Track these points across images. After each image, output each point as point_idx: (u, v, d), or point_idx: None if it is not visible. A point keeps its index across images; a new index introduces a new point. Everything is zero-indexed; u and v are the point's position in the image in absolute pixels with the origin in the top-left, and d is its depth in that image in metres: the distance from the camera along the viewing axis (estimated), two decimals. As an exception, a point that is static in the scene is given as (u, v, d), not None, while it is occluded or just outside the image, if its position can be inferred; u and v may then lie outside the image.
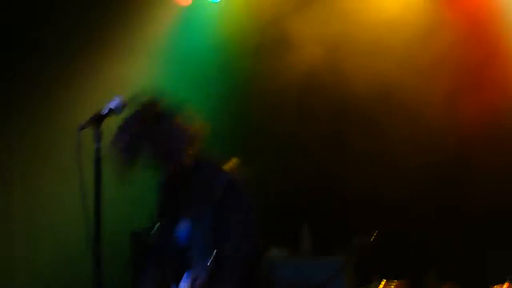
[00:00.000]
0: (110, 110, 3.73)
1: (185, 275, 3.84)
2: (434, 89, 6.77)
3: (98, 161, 3.61)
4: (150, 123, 3.89)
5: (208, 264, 3.76)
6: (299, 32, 6.94)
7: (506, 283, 5.39)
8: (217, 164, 4.03)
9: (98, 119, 3.66)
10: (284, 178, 7.09)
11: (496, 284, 5.46)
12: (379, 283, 5.52)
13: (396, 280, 5.37)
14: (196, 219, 3.95)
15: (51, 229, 7.33)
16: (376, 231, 5.75)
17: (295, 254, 6.59)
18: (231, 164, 4.06)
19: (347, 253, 6.18)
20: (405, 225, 6.64)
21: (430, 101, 6.76)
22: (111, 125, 3.81)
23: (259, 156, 6.85)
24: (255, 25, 7.09)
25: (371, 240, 5.67)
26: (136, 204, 7.16)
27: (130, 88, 6.87)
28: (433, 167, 6.75)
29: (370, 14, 6.88)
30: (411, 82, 6.75)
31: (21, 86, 7.44)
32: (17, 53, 7.41)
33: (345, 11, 6.91)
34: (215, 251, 3.77)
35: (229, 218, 3.92)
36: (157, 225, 4.11)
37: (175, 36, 7.26)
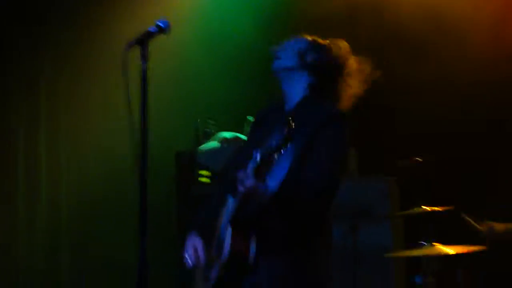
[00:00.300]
0: (159, 29, 3.70)
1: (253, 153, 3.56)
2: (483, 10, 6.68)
3: (144, 81, 3.59)
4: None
5: (281, 138, 3.42)
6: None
7: None
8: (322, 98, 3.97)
9: (145, 38, 3.63)
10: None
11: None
12: (423, 207, 5.50)
13: (441, 206, 5.34)
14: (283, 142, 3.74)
15: (98, 146, 7.40)
16: (425, 155, 5.72)
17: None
18: None
19: (394, 176, 6.18)
20: (456, 151, 6.61)
21: (478, 22, 6.66)
22: (158, 44, 3.79)
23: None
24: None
25: (418, 163, 5.64)
26: (181, 125, 7.24)
27: (180, 7, 6.93)
28: (485, 86, 6.69)
29: None
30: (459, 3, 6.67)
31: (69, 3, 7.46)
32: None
33: None
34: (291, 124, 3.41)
35: (320, 149, 3.78)
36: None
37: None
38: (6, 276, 7.23)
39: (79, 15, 7.39)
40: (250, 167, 3.54)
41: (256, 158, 3.50)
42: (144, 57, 3.62)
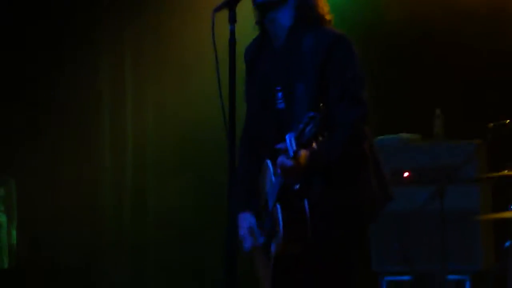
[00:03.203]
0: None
1: (286, 138, 3.43)
2: None
3: (232, 44, 3.54)
4: None
5: (320, 114, 3.32)
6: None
7: None
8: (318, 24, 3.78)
9: (233, 1, 3.58)
10: (415, 64, 6.99)
11: None
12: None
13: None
14: (297, 80, 3.72)
15: (183, 107, 7.44)
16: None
17: (427, 138, 6.53)
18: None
19: (481, 138, 6.09)
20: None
21: None
22: (246, 7, 3.79)
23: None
24: None
25: (508, 125, 5.54)
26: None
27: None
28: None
29: None
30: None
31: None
32: None
33: None
34: (320, 108, 3.31)
35: (336, 75, 3.67)
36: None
37: None
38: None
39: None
40: (289, 148, 3.42)
41: (292, 145, 3.40)
42: (232, 20, 3.59)
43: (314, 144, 3.36)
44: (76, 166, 7.41)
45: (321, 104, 3.32)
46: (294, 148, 3.39)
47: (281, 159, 3.55)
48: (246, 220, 3.90)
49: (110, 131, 7.65)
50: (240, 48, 3.69)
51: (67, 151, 7.45)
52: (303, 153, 3.48)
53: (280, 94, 3.81)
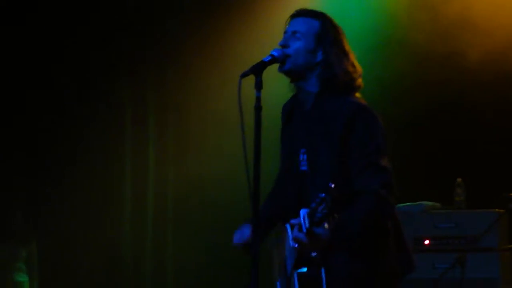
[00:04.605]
0: (273, 58, 3.78)
1: (300, 213, 3.51)
2: None
3: (258, 109, 3.63)
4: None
5: (330, 196, 3.35)
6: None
7: None
8: (343, 92, 3.81)
9: (260, 67, 3.69)
10: (437, 131, 7.04)
11: None
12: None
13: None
14: (320, 145, 3.76)
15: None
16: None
17: (448, 207, 6.54)
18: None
19: (502, 207, 6.09)
20: None
21: None
22: (272, 74, 3.87)
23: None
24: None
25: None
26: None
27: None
28: None
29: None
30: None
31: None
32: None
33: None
34: (331, 190, 3.33)
35: (358, 148, 3.68)
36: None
37: None
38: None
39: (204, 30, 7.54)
40: (303, 225, 3.48)
41: (305, 222, 3.46)
42: (258, 86, 3.68)
43: (326, 226, 3.40)
44: (97, 227, 7.46)
45: (332, 185, 3.33)
46: (307, 225, 3.46)
47: (296, 233, 3.58)
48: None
49: (131, 192, 7.71)
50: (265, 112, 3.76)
51: (90, 212, 7.51)
52: (317, 232, 3.50)
53: (304, 156, 3.87)
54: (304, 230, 3.46)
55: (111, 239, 7.54)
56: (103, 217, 7.55)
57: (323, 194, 3.34)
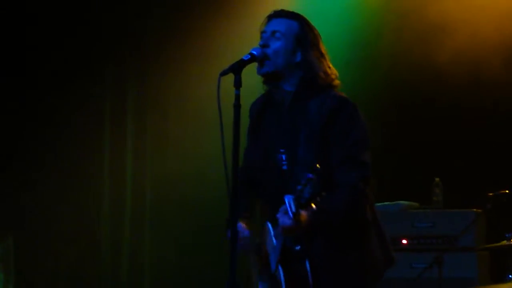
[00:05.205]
0: (252, 57, 3.78)
1: (285, 199, 3.51)
2: None
3: (237, 107, 3.63)
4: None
5: (317, 175, 3.39)
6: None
7: None
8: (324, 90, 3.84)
9: (239, 66, 3.69)
10: (414, 132, 7.06)
11: None
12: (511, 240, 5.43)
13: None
14: (300, 144, 3.78)
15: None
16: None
17: (426, 206, 6.55)
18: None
19: (480, 207, 6.11)
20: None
21: None
22: (252, 72, 3.86)
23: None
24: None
25: (506, 195, 5.58)
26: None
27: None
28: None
29: None
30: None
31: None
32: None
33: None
34: (316, 169, 3.37)
35: (339, 140, 3.73)
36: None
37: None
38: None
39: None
40: (288, 210, 3.48)
41: (291, 207, 3.46)
42: (237, 85, 3.67)
43: (313, 205, 3.40)
44: (75, 224, 7.43)
45: (317, 165, 3.37)
46: (294, 209, 3.44)
47: (281, 219, 3.59)
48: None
49: (109, 189, 7.68)
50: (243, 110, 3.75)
51: (67, 208, 7.47)
52: (303, 213, 3.52)
53: (284, 156, 3.86)
54: (291, 215, 3.46)
55: (88, 235, 7.51)
56: (81, 214, 7.50)
57: (310, 175, 3.36)
